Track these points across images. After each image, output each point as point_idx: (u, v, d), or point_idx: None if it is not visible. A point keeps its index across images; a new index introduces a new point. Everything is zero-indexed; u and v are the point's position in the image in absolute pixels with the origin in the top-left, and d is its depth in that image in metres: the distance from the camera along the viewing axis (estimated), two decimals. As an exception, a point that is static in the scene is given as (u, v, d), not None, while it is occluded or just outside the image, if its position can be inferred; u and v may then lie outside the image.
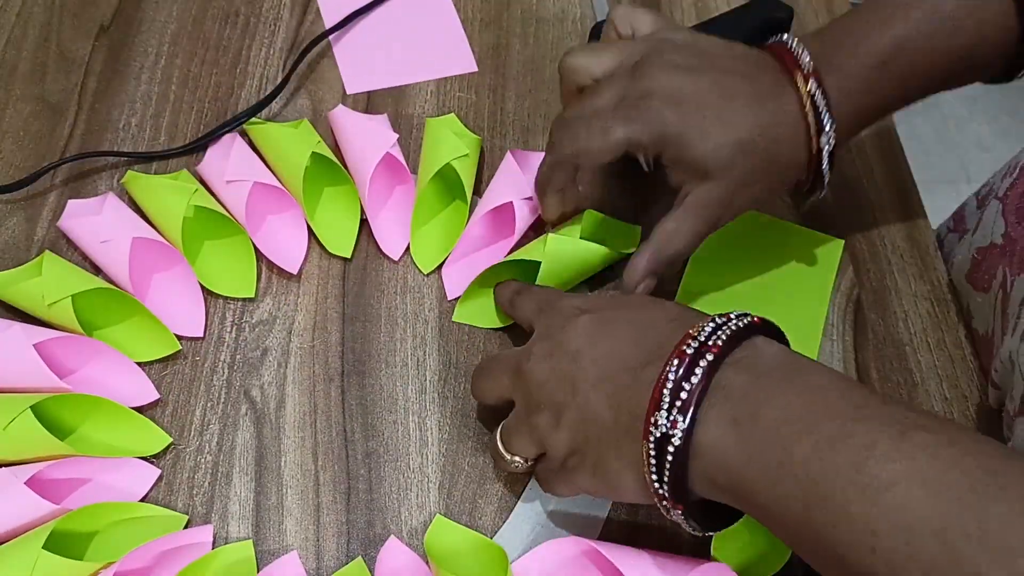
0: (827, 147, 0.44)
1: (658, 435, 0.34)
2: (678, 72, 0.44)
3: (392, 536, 0.44)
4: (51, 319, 0.48)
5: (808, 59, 0.44)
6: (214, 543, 0.44)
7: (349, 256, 0.53)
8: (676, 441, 0.34)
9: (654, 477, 0.35)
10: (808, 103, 0.44)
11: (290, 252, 0.53)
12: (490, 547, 0.43)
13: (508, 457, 0.43)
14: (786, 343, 0.39)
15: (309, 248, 0.53)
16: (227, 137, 0.55)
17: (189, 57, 0.61)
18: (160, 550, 0.42)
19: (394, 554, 0.44)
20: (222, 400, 0.48)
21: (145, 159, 0.56)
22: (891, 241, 0.56)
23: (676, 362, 0.35)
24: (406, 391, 0.49)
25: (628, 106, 0.44)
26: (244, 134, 0.57)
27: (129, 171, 0.54)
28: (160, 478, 0.46)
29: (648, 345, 0.37)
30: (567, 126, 0.45)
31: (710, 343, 0.35)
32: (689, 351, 0.35)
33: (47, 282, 0.47)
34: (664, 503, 0.36)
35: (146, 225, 0.51)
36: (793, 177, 0.46)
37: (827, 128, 0.44)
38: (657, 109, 0.43)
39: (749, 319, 0.37)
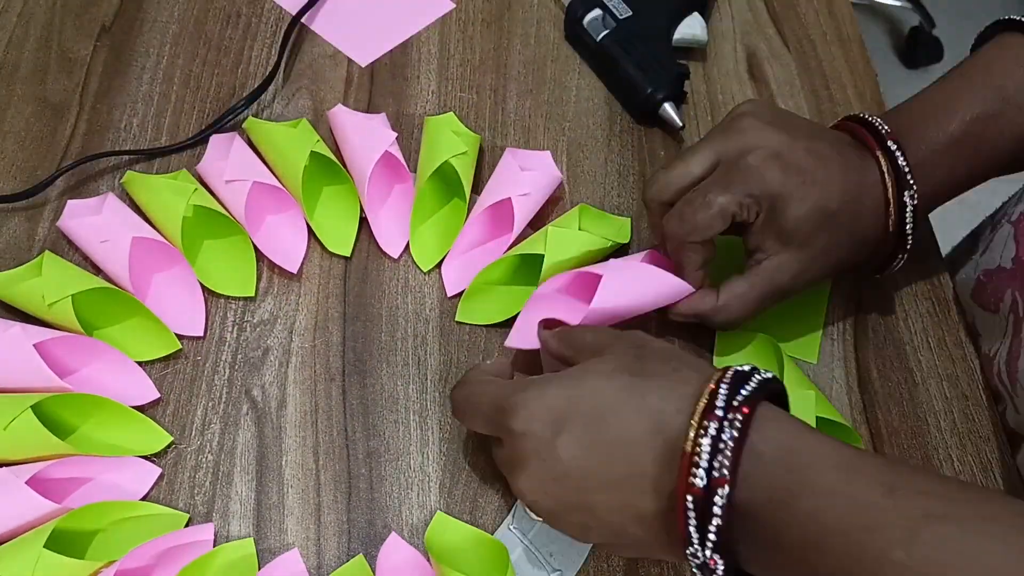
0: (909, 220, 0.45)
1: (698, 563, 0.34)
2: (773, 129, 0.44)
3: (393, 532, 0.44)
4: (51, 319, 0.48)
5: (888, 130, 0.45)
6: (215, 542, 0.44)
7: (349, 255, 0.53)
8: (719, 572, 0.34)
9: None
10: (891, 177, 0.44)
11: (290, 251, 0.53)
12: (491, 543, 0.43)
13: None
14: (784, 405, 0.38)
15: (309, 247, 0.53)
16: (226, 136, 0.55)
17: (190, 57, 0.61)
18: (161, 549, 0.42)
19: (395, 550, 0.44)
20: (223, 399, 0.48)
21: (148, 156, 0.56)
22: (891, 240, 0.56)
23: (690, 499, 0.33)
24: (407, 390, 0.49)
25: (726, 171, 0.44)
26: (244, 134, 0.57)
27: (129, 171, 0.54)
28: (161, 477, 0.46)
29: (637, 470, 0.36)
30: (674, 212, 0.45)
31: (715, 472, 0.33)
32: (700, 483, 0.33)
33: (47, 282, 0.47)
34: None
35: (146, 225, 0.51)
36: (867, 252, 0.47)
37: (908, 202, 0.44)
38: (757, 169, 0.43)
39: (739, 420, 0.34)
